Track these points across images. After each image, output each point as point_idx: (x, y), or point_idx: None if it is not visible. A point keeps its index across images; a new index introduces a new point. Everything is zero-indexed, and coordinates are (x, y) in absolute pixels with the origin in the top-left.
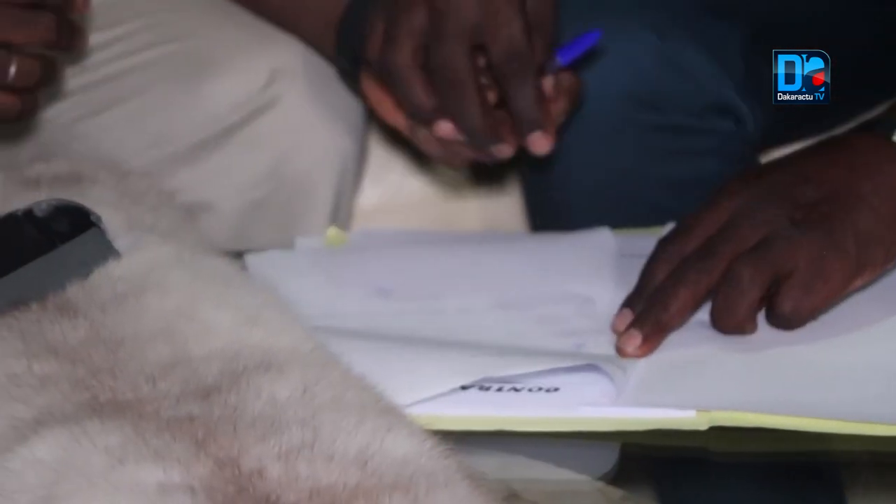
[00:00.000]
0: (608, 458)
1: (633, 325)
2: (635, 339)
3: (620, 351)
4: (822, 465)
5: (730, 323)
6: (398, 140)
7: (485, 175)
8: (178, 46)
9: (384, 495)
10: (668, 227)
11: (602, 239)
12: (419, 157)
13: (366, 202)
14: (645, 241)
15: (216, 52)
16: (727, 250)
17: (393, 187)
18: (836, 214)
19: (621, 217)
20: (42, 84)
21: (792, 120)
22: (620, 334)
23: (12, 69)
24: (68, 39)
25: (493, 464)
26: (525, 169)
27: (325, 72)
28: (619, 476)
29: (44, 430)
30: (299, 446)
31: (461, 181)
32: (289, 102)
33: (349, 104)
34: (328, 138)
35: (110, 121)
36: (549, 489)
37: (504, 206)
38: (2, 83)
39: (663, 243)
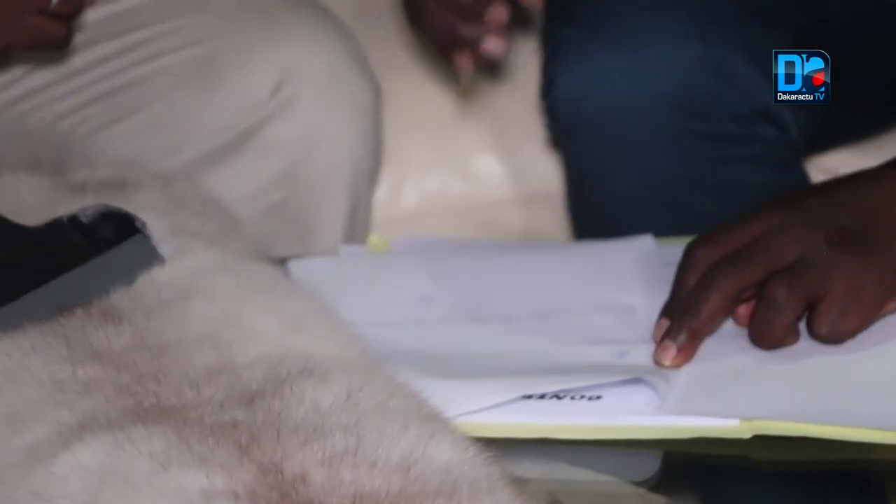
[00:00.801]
0: (650, 464)
1: (666, 335)
2: (670, 351)
3: (658, 363)
4: (867, 474)
5: (768, 341)
6: (436, 142)
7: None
8: (195, 51)
9: (427, 502)
10: None
11: (644, 247)
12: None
13: (406, 207)
14: None
15: (227, 56)
16: (761, 259)
17: (433, 192)
18: (872, 240)
19: (665, 224)
20: (80, 12)
21: (834, 127)
22: (656, 347)
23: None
24: None
25: (535, 471)
26: (568, 175)
27: (338, 73)
28: (662, 483)
29: (88, 436)
30: (342, 452)
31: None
32: (301, 107)
33: (363, 106)
34: (342, 142)
35: (130, 129)
36: (591, 496)
37: (546, 213)
38: (46, 9)
39: (691, 247)
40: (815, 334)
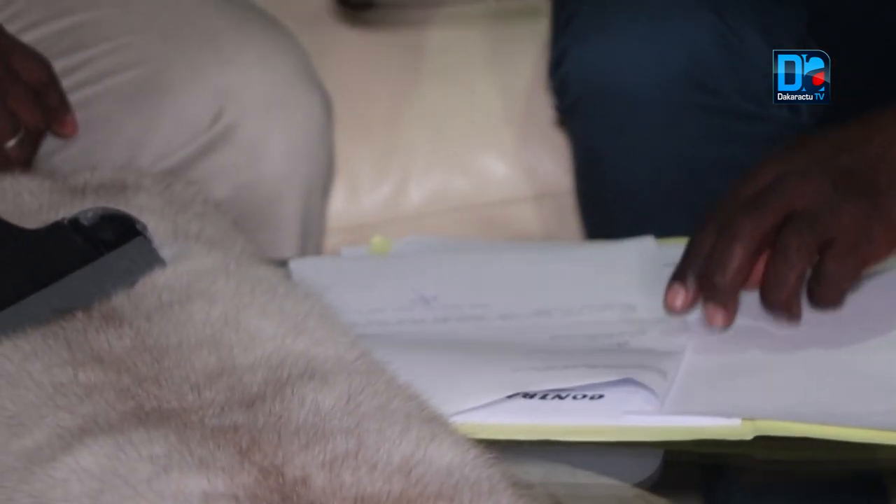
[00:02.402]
0: (651, 465)
1: (706, 299)
2: (718, 313)
3: (711, 322)
4: (869, 475)
5: (780, 297)
6: (441, 140)
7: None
8: (138, 72)
9: None
10: None
11: (645, 248)
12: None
13: (411, 206)
14: None
15: (169, 79)
16: (775, 204)
17: (438, 191)
18: (878, 182)
19: (675, 202)
20: (34, 154)
21: (849, 113)
22: (705, 307)
23: (12, 142)
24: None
25: (536, 473)
26: (576, 153)
27: (282, 94)
28: (663, 483)
29: (88, 439)
30: (343, 455)
31: None
32: (244, 132)
33: (310, 123)
34: (289, 163)
35: (78, 152)
36: (592, 497)
37: (551, 211)
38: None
39: (709, 212)
40: (820, 273)
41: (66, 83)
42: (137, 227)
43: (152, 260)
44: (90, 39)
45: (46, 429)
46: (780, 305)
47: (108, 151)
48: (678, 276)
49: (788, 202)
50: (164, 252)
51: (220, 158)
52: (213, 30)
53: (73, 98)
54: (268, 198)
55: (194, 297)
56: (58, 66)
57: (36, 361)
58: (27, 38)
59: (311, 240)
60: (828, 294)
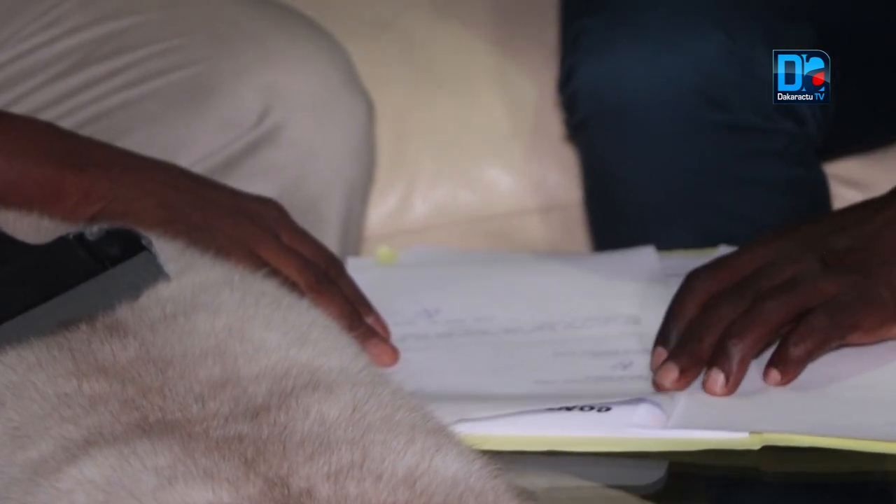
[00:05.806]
0: (655, 474)
1: (669, 358)
2: (672, 373)
3: (658, 386)
4: (876, 486)
5: (734, 343)
6: (447, 152)
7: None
8: (184, 74)
9: None
10: (721, 249)
11: (648, 259)
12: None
13: (416, 218)
14: (693, 261)
15: (215, 80)
16: (759, 286)
17: (443, 203)
18: (870, 262)
19: (686, 218)
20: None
21: (848, 129)
22: (657, 369)
23: None
24: None
25: (542, 483)
26: (586, 168)
27: (327, 96)
28: (668, 493)
29: (94, 451)
30: (348, 466)
31: None
32: (290, 132)
33: (354, 126)
34: (333, 164)
35: None
36: None
37: (556, 223)
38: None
39: (692, 278)
40: (789, 333)
41: (108, 86)
42: (143, 242)
43: (157, 275)
44: (135, 43)
45: (51, 440)
46: (730, 355)
47: (150, 151)
48: (661, 341)
49: (770, 282)
50: (171, 267)
51: (265, 157)
52: (258, 31)
53: (115, 100)
54: (311, 198)
55: (199, 308)
56: (101, 69)
57: (40, 372)
58: (70, 42)
59: (352, 241)
60: (780, 355)
